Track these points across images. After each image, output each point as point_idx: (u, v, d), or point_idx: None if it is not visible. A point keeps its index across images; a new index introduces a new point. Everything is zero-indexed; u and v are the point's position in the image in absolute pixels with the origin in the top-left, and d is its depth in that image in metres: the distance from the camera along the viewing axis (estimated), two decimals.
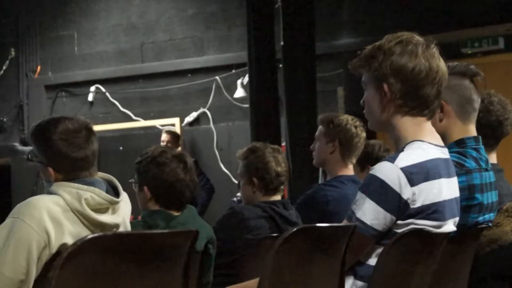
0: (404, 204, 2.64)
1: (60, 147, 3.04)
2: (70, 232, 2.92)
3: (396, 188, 2.62)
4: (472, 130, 3.22)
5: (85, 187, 2.99)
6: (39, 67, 10.74)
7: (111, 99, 10.31)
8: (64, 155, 3.04)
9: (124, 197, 3.18)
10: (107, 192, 3.07)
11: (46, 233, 2.87)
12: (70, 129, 3.05)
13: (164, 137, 8.62)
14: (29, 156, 3.16)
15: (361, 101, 2.87)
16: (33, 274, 2.87)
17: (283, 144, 7.89)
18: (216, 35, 9.92)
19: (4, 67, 10.70)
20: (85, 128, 3.09)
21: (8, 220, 2.93)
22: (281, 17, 7.89)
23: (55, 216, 2.90)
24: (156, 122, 9.92)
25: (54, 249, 2.89)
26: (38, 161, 3.10)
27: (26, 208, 2.92)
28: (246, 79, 9.07)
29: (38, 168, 3.13)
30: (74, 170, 3.05)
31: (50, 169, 3.06)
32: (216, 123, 9.79)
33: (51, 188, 3.03)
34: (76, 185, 2.99)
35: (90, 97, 10.40)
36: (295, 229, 2.36)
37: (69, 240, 2.90)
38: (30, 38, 10.77)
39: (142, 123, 10.08)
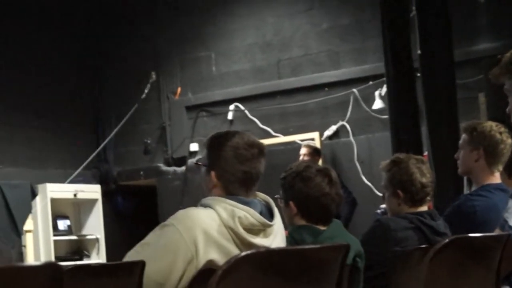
0: None
1: (228, 154, 3.11)
2: (220, 248, 2.95)
3: None
4: None
5: (241, 205, 3.03)
6: (179, 89, 10.97)
7: (250, 116, 10.42)
8: (229, 162, 3.10)
9: (278, 219, 3.20)
10: (261, 213, 3.09)
11: (195, 246, 2.92)
12: (243, 141, 3.12)
13: (303, 151, 8.66)
14: (197, 160, 3.28)
15: (507, 110, 2.81)
16: (173, 283, 2.93)
17: (425, 153, 7.78)
18: (351, 47, 9.90)
19: (146, 91, 10.97)
20: (258, 147, 3.16)
21: (165, 223, 3.03)
22: (416, 25, 7.78)
23: (208, 231, 2.95)
24: (296, 137, 9.95)
25: (201, 263, 2.93)
26: (203, 165, 3.19)
27: (182, 217, 3.00)
28: (384, 90, 9.00)
29: (202, 175, 3.22)
30: (234, 182, 3.11)
31: (213, 174, 3.13)
32: (356, 135, 9.75)
33: (206, 201, 3.09)
34: (232, 202, 3.03)
35: (230, 116, 10.54)
36: (447, 240, 2.33)
37: (217, 256, 2.93)
38: (170, 61, 11.03)
39: (281, 139, 10.13)
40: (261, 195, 3.23)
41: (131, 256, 3.03)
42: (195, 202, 3.21)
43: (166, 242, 2.96)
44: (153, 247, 2.99)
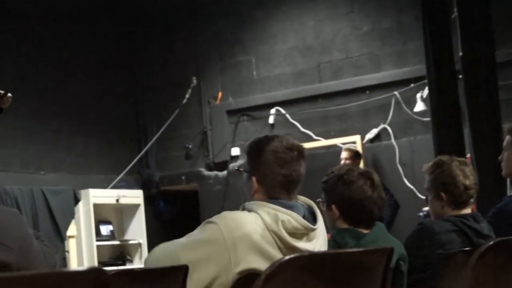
0: None
1: (268, 158, 3.12)
2: (262, 253, 2.94)
3: None
4: None
5: (284, 209, 3.03)
6: (220, 93, 11.00)
7: (291, 120, 10.41)
8: (269, 167, 3.11)
9: (321, 223, 3.20)
10: (304, 217, 3.09)
11: (234, 246, 2.93)
12: (282, 145, 3.13)
13: (344, 154, 8.63)
14: (238, 166, 3.29)
15: None
16: (201, 277, 2.94)
17: (468, 155, 7.72)
18: (392, 50, 9.86)
19: (187, 96, 11.02)
20: (297, 149, 3.16)
21: (209, 219, 3.06)
22: (458, 26, 7.73)
23: (251, 235, 2.95)
24: (337, 141, 9.92)
25: (239, 266, 2.92)
26: (244, 170, 3.20)
27: (227, 217, 3.02)
28: (425, 92, 8.95)
29: (243, 180, 3.23)
30: (275, 186, 3.11)
31: (254, 179, 3.14)
32: (398, 138, 9.70)
33: (250, 205, 3.09)
34: (275, 206, 3.04)
35: (271, 120, 10.54)
36: (491, 242, 2.31)
37: (257, 260, 2.93)
38: (210, 66, 11.07)
39: (323, 142, 10.10)
40: (304, 199, 3.23)
41: (168, 244, 3.09)
42: (237, 206, 3.22)
43: (204, 236, 3.00)
44: (192, 238, 3.04)
